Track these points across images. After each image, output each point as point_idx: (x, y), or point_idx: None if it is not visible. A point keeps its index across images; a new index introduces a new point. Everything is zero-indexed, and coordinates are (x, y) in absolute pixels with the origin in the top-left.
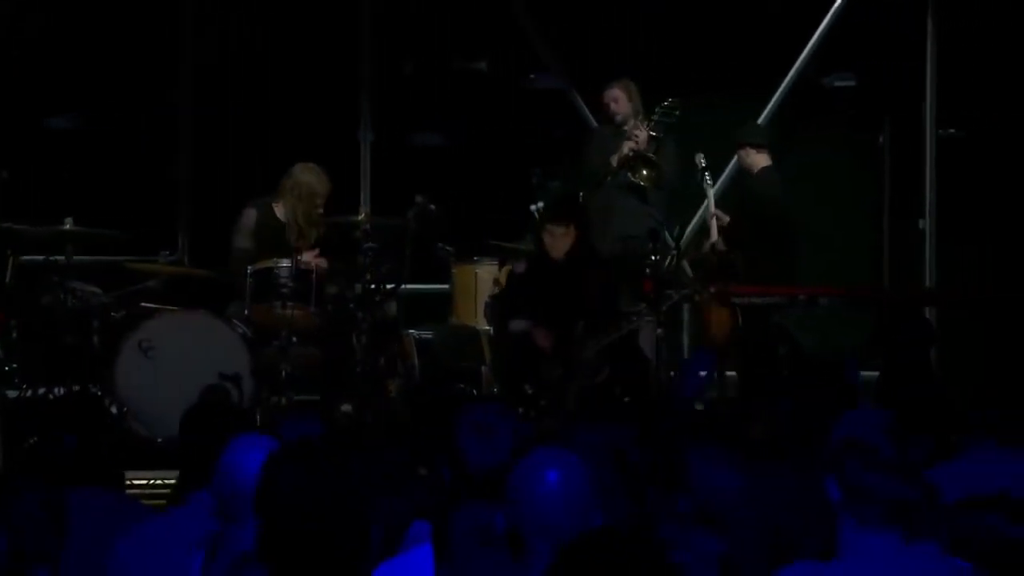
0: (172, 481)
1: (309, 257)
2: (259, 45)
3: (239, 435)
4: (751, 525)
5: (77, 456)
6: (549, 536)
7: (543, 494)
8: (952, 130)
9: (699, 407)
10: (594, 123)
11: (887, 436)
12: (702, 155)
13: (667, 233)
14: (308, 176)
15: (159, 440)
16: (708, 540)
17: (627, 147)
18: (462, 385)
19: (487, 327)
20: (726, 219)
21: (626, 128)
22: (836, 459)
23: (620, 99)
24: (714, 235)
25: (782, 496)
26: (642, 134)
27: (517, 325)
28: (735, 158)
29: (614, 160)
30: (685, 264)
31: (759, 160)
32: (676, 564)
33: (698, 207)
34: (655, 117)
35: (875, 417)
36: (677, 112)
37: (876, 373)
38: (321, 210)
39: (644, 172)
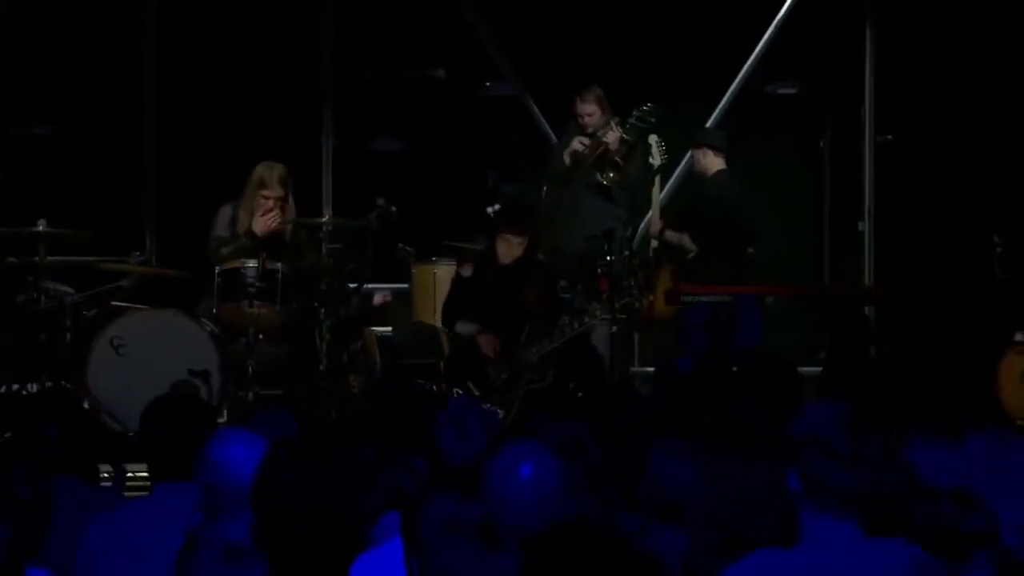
0: (143, 474)
1: None
2: (224, 53)
3: (223, 429)
4: (707, 515)
5: (56, 448)
6: (523, 528)
7: (517, 487)
8: (889, 136)
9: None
10: (547, 127)
11: (846, 429)
12: (656, 136)
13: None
14: (261, 169)
15: (130, 434)
16: (667, 532)
17: (586, 144)
18: (421, 381)
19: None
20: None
21: (598, 135)
22: (797, 451)
23: (595, 113)
24: (656, 220)
25: (739, 487)
26: (612, 135)
27: (464, 328)
28: (686, 159)
29: (567, 157)
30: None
31: (715, 163)
32: (644, 554)
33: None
34: (631, 120)
35: (835, 411)
36: (653, 119)
37: (818, 369)
38: (270, 200)
39: (611, 174)
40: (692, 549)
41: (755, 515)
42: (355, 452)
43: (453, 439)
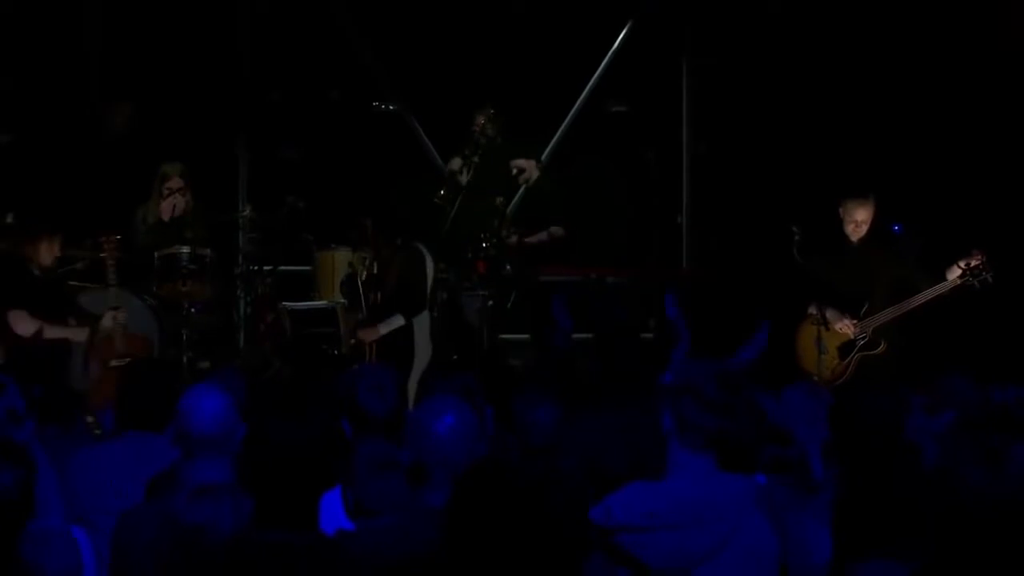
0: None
1: None
2: (161, 82)
3: (195, 385)
4: (573, 453)
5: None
6: (447, 466)
7: (442, 433)
8: (704, 146)
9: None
10: (425, 140)
11: (713, 380)
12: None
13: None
14: (164, 167)
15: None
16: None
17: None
18: (325, 347)
19: (342, 300)
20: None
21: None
22: (671, 397)
23: (480, 123)
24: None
25: (602, 428)
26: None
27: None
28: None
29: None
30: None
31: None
32: (544, 484)
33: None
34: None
35: (705, 365)
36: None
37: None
38: (173, 190)
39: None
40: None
41: (625, 451)
42: (320, 407)
43: (373, 397)
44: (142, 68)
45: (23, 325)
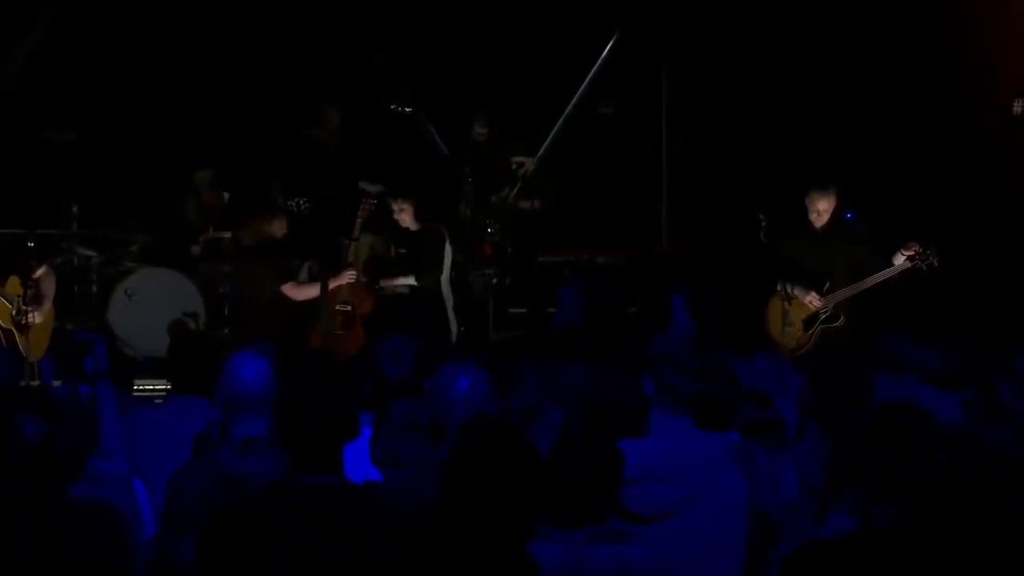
0: (149, 387)
1: None
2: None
3: (238, 351)
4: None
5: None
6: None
7: (457, 395)
8: (682, 144)
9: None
10: (435, 138)
11: (691, 350)
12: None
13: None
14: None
15: (140, 359)
16: (552, 413)
17: None
18: None
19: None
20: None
21: None
22: (653, 365)
23: (478, 128)
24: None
25: (608, 390)
26: None
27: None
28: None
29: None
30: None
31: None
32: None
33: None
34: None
35: (684, 337)
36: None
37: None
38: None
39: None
40: (569, 426)
41: (622, 409)
42: (342, 369)
43: (391, 363)
44: (151, 69)
45: (298, 292)
